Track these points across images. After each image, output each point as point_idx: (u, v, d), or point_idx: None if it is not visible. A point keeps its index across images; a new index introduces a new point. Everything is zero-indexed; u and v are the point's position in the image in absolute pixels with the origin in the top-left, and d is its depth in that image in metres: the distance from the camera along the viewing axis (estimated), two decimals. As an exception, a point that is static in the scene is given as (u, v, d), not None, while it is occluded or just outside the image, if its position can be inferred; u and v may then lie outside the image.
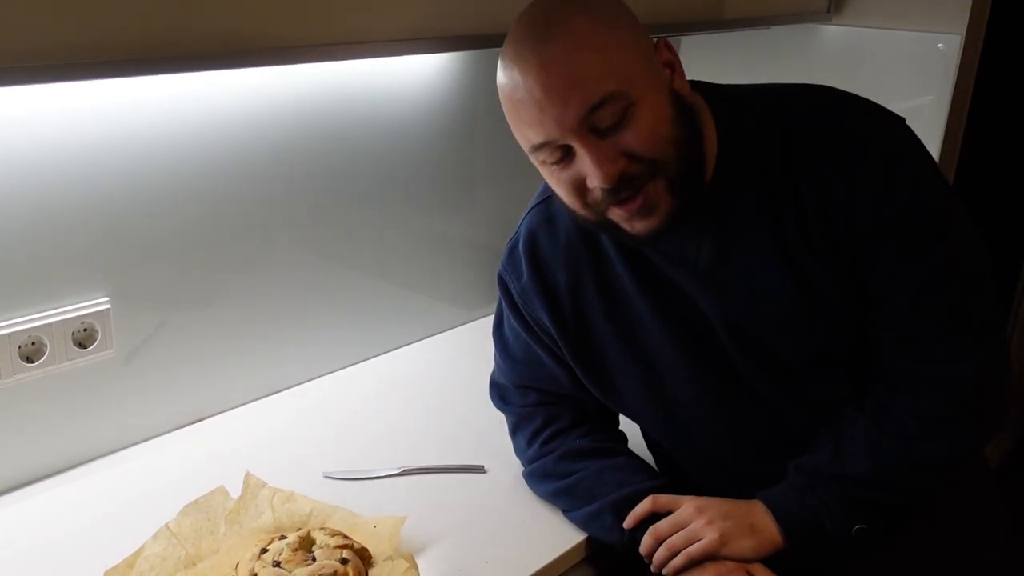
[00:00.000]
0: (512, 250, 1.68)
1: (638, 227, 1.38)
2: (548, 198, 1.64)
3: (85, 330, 1.74)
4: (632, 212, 1.36)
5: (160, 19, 1.29)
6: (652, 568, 1.52)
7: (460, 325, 2.52)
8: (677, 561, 1.48)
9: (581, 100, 1.28)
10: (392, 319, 2.35)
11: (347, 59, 1.60)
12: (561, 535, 1.63)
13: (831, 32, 2.74)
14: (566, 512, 1.66)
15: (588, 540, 1.63)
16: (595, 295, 1.60)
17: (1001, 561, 1.66)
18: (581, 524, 1.64)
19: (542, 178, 1.61)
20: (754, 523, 1.49)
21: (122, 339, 1.81)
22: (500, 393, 1.81)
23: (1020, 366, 3.80)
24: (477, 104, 2.34)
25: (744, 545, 1.47)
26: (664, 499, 1.54)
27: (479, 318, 2.52)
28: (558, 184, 1.39)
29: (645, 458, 1.71)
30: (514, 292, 1.67)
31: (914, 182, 1.41)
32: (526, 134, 1.35)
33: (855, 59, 2.71)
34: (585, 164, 1.32)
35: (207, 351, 1.97)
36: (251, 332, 2.04)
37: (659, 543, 1.51)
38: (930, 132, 2.60)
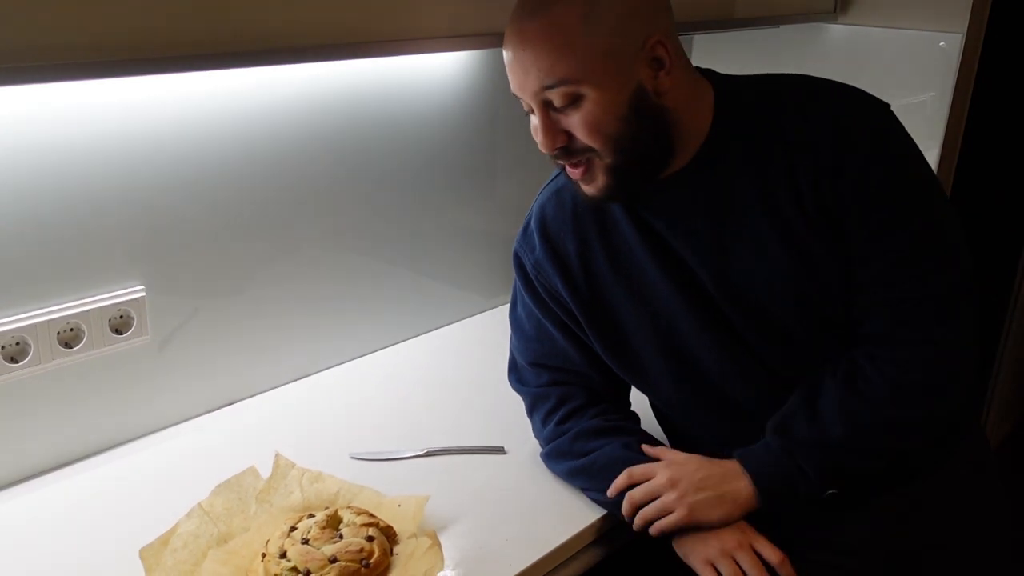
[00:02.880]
0: (525, 228, 1.70)
1: (585, 189, 1.49)
2: (556, 176, 1.68)
3: (121, 317, 1.74)
4: (577, 177, 1.47)
5: (199, 19, 1.31)
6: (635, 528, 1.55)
7: (481, 312, 2.51)
8: (652, 531, 1.51)
9: (537, 77, 1.38)
10: (416, 307, 2.34)
11: (378, 56, 1.60)
12: (578, 513, 1.62)
13: (837, 31, 2.73)
14: (584, 490, 1.66)
15: (604, 518, 1.61)
16: (603, 258, 1.60)
17: (1001, 537, 1.64)
18: (598, 502, 1.63)
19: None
20: (726, 491, 1.49)
21: (157, 326, 1.81)
22: (517, 375, 1.80)
23: (1020, 354, 3.79)
24: (497, 100, 2.33)
25: (713, 516, 1.48)
26: (639, 471, 1.55)
27: (498, 306, 2.51)
28: (533, 131, 1.47)
29: (655, 434, 1.71)
30: (528, 266, 1.67)
31: (899, 155, 1.44)
32: (511, 82, 1.45)
33: (860, 57, 2.69)
34: (535, 131, 1.44)
35: (238, 337, 1.96)
36: (280, 320, 2.03)
37: (635, 509, 1.53)
38: (932, 127, 2.59)
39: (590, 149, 1.41)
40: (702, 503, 1.48)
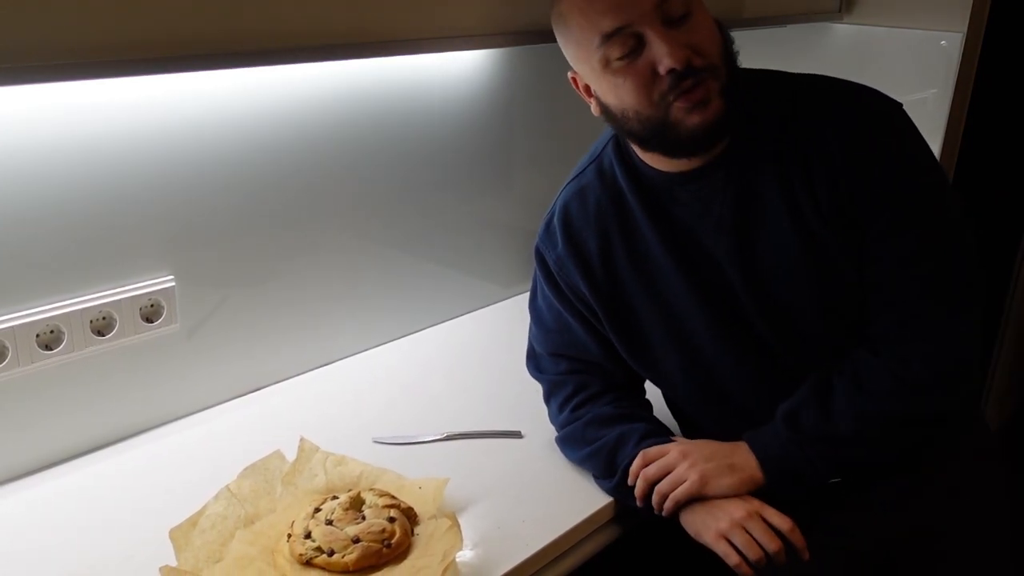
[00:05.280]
0: (548, 224, 1.68)
1: (695, 120, 1.37)
2: (579, 175, 1.65)
3: (152, 306, 1.73)
4: (693, 103, 1.35)
5: (228, 18, 1.35)
6: (641, 507, 1.54)
7: (498, 301, 2.49)
8: (667, 505, 1.49)
9: None
10: (435, 296, 2.33)
11: (400, 55, 1.60)
12: (592, 496, 1.61)
13: (842, 30, 2.73)
14: (595, 479, 1.64)
15: (617, 501, 1.60)
16: (623, 255, 1.58)
17: (1001, 523, 1.62)
18: (607, 490, 1.62)
19: (574, 165, 1.68)
20: (735, 463, 1.48)
21: (186, 314, 1.80)
22: (535, 362, 1.79)
23: (1018, 345, 3.76)
24: (514, 97, 2.32)
25: (724, 483, 1.47)
26: (653, 450, 1.54)
27: (516, 295, 2.50)
28: (625, 81, 1.38)
29: (668, 424, 1.69)
30: (550, 262, 1.65)
31: (911, 155, 1.44)
32: (599, 24, 1.35)
33: (864, 55, 2.70)
34: (657, 49, 1.33)
35: (264, 326, 1.95)
36: (305, 309, 2.02)
37: (650, 487, 1.51)
38: (933, 123, 2.58)
39: (709, 68, 1.35)
40: (712, 470, 1.47)
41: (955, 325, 1.44)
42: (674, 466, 1.50)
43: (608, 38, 1.35)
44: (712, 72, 1.36)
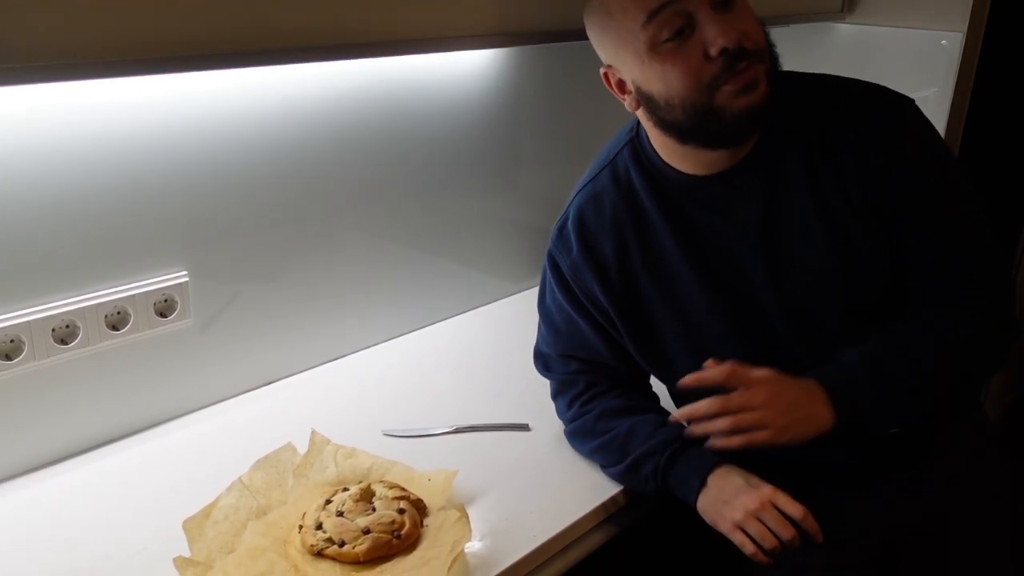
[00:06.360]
0: (561, 229, 1.65)
1: (742, 103, 1.35)
2: (593, 179, 1.63)
3: (165, 301, 1.73)
4: (744, 83, 1.34)
5: (239, 19, 1.35)
6: (699, 424, 1.46)
7: (506, 297, 2.49)
8: (737, 440, 1.41)
9: None
10: (444, 291, 2.32)
11: (408, 54, 1.60)
12: (599, 487, 1.61)
13: (844, 30, 2.73)
14: (604, 468, 1.64)
15: (624, 492, 1.60)
16: (639, 259, 1.57)
17: (1001, 516, 1.62)
18: (617, 478, 1.61)
19: (581, 163, 1.67)
20: (813, 412, 1.41)
21: (199, 309, 1.80)
22: (544, 362, 1.78)
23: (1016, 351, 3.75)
24: (521, 96, 2.31)
25: (799, 433, 1.40)
26: (742, 371, 1.44)
27: (524, 290, 2.50)
28: (674, 65, 1.36)
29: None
30: (564, 267, 1.63)
31: (933, 144, 1.47)
32: (645, 1, 1.34)
33: (866, 54, 2.69)
34: (709, 30, 1.32)
35: (276, 321, 1.95)
36: (316, 304, 2.02)
37: (721, 412, 1.43)
38: (934, 121, 2.54)
39: (758, 51, 1.35)
40: (792, 423, 1.40)
41: (991, 287, 1.49)
42: (758, 407, 1.41)
43: (654, 15, 1.33)
44: (760, 56, 1.36)
